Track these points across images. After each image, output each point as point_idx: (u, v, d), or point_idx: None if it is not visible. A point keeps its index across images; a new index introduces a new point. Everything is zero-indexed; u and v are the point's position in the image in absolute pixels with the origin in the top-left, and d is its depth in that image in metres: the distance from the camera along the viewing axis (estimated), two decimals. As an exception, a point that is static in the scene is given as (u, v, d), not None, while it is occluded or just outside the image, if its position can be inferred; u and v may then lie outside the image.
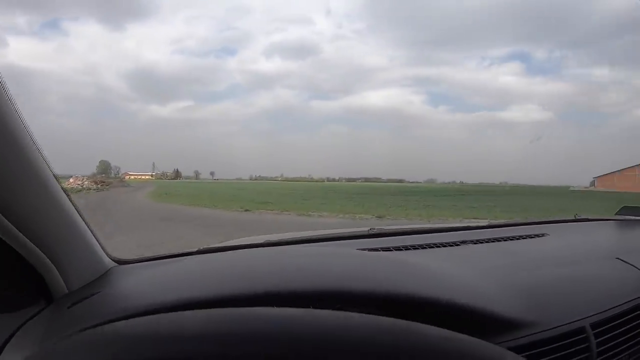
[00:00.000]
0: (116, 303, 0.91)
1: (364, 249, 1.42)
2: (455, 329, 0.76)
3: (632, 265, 1.47)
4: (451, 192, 39.39)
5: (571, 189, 59.36)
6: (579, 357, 1.07)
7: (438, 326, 0.74)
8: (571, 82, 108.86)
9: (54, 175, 0.97)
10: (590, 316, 1.13)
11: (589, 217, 2.43)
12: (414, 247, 1.49)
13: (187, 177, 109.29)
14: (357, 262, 1.15)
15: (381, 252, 1.42)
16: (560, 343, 1.05)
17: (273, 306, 0.65)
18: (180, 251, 1.43)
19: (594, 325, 1.12)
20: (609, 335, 1.14)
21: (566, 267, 1.42)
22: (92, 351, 0.56)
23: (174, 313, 0.63)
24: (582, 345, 1.08)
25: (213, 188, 41.01)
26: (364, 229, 1.71)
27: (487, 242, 1.68)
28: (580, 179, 72.11)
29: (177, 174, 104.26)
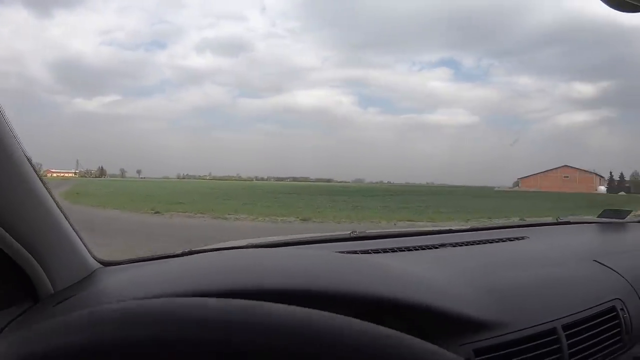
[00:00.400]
0: (100, 303, 0.89)
1: (344, 252, 1.42)
2: (425, 330, 0.96)
3: (608, 267, 1.49)
4: (379, 192, 38.96)
5: (496, 189, 61.48)
6: (550, 358, 1.09)
7: (409, 327, 0.93)
8: (497, 89, 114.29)
9: (38, 175, 0.99)
10: (563, 317, 1.15)
11: (571, 220, 2.42)
12: (393, 250, 1.50)
13: (113, 175, 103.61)
14: (333, 265, 1.16)
15: (359, 255, 1.42)
16: (531, 344, 1.07)
17: None
18: (166, 253, 1.45)
19: (565, 327, 1.14)
20: (581, 336, 1.16)
21: (543, 269, 1.44)
22: (79, 330, 0.55)
23: (161, 299, 0.61)
24: (554, 347, 1.10)
25: (134, 187, 38.52)
26: (346, 232, 1.71)
27: (466, 244, 1.69)
28: (504, 180, 75.31)
29: (101, 172, 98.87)
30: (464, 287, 1.16)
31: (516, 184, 72.92)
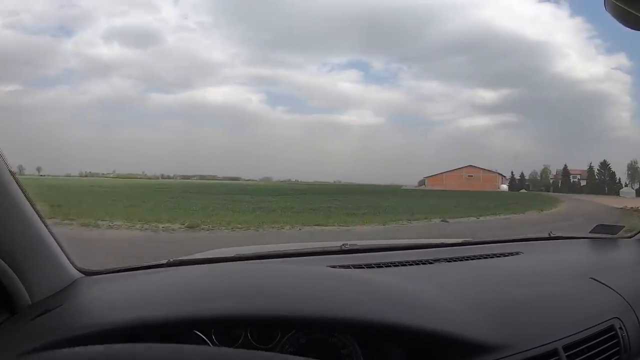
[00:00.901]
0: (78, 317, 0.90)
1: (336, 266, 1.40)
2: (420, 353, 0.96)
3: (605, 285, 1.47)
4: (287, 190, 37.31)
5: (403, 187, 62.98)
6: None
7: (404, 350, 0.96)
8: (404, 92, 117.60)
9: (16, 182, 0.99)
10: (563, 338, 1.13)
11: (563, 235, 2.43)
12: (387, 265, 1.47)
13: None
14: (326, 285, 1.14)
15: (352, 271, 1.40)
16: None
17: (238, 330, 0.84)
18: (151, 263, 1.42)
19: (566, 347, 1.12)
20: (581, 357, 1.15)
21: (540, 286, 1.42)
22: None
23: (129, 345, 0.63)
24: None
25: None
26: (337, 244, 1.67)
27: (460, 260, 1.66)
28: (410, 179, 76.93)
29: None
30: (459, 305, 1.13)
31: (422, 182, 74.70)
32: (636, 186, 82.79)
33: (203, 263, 1.44)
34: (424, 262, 1.57)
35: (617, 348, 1.25)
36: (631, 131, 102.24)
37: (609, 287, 1.45)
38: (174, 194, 27.65)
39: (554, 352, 1.08)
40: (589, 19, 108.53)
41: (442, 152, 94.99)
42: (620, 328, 1.28)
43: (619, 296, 1.42)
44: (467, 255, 1.72)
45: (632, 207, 23.23)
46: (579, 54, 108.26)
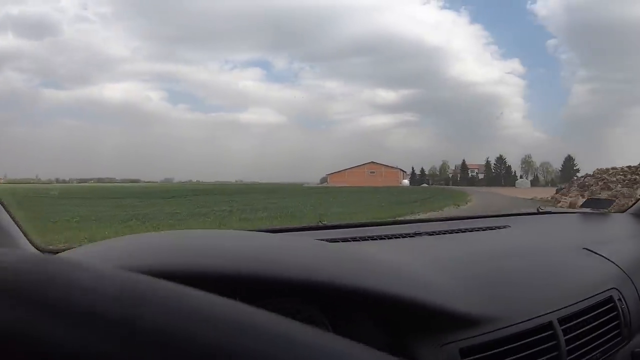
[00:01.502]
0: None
1: (323, 239, 1.33)
2: (401, 327, 0.90)
3: (600, 255, 1.42)
4: (185, 192, 34.96)
5: (305, 185, 62.60)
6: (546, 356, 1.02)
7: (387, 322, 0.89)
8: (306, 91, 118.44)
9: None
10: (558, 310, 1.09)
11: (552, 210, 2.47)
12: (372, 238, 1.43)
13: None
14: (312, 253, 1.07)
15: (339, 243, 1.35)
16: (526, 341, 1.00)
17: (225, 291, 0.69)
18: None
19: (561, 320, 1.08)
20: (579, 330, 1.11)
21: (531, 258, 1.38)
22: None
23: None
24: (550, 343, 1.03)
25: None
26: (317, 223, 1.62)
27: (444, 233, 1.59)
28: (311, 177, 77.86)
29: None
30: (445, 277, 1.07)
31: (324, 179, 75.14)
32: (530, 178, 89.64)
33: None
34: (404, 236, 1.49)
35: (617, 321, 1.20)
36: (523, 129, 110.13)
37: (605, 258, 1.41)
38: (51, 200, 24.73)
39: (549, 326, 1.04)
40: (486, 26, 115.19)
41: (344, 150, 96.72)
42: (619, 299, 1.24)
43: (616, 267, 1.38)
44: (451, 229, 1.63)
45: (541, 198, 24.26)
46: (475, 59, 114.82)
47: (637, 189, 17.53)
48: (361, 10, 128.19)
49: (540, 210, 2.29)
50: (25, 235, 1.17)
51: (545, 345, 1.01)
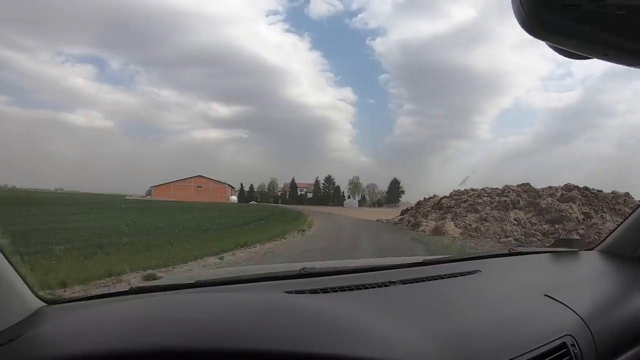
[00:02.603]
0: (38, 349, 0.90)
1: (292, 291, 1.40)
2: None
3: (559, 302, 1.47)
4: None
5: (127, 197, 60.21)
6: None
7: None
8: (139, 97, 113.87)
9: None
10: (514, 358, 1.12)
11: (523, 251, 2.43)
12: (342, 289, 1.44)
13: None
14: (278, 314, 1.11)
15: (307, 297, 1.38)
16: None
17: None
18: (113, 290, 1.47)
19: None
20: None
21: (496, 307, 1.43)
22: None
23: None
24: None
25: None
26: (297, 268, 1.65)
27: (416, 281, 1.62)
28: (137, 188, 74.25)
29: None
30: (413, 332, 1.13)
31: (149, 192, 73.04)
32: (358, 198, 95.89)
33: (164, 290, 1.43)
34: (379, 285, 1.54)
35: None
36: (350, 153, 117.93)
37: (563, 304, 1.47)
38: None
39: None
40: (326, 54, 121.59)
41: (173, 162, 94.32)
42: (573, 345, 1.30)
43: (573, 312, 1.43)
44: (424, 276, 1.68)
45: (387, 219, 26.38)
46: (311, 83, 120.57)
47: (508, 211, 18.93)
48: (208, 20, 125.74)
49: (512, 251, 2.36)
50: (28, 285, 1.18)
51: None
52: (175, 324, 1.02)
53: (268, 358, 0.91)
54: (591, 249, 2.38)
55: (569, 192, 19.28)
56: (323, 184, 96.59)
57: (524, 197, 20.07)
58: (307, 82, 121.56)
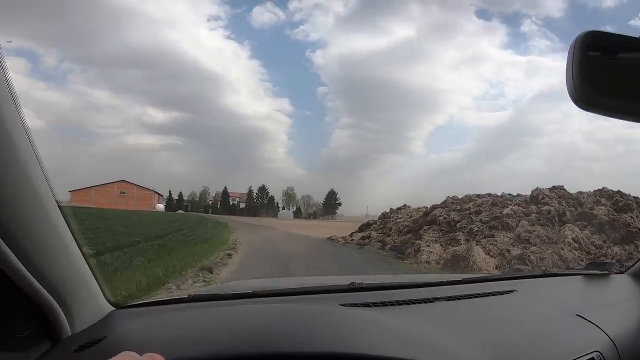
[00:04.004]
0: (119, 351, 0.87)
1: (346, 304, 1.46)
2: None
3: (590, 321, 1.53)
4: None
5: None
6: None
7: None
8: (71, 96, 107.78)
9: (61, 210, 1.00)
10: None
11: (557, 272, 2.62)
12: (391, 304, 1.52)
13: None
14: (334, 324, 1.19)
15: (361, 310, 1.46)
16: None
17: None
18: (174, 296, 1.61)
19: None
20: None
21: (530, 325, 1.50)
22: None
23: None
24: None
25: None
26: (346, 282, 1.73)
27: (458, 299, 1.70)
28: (59, 193, 68.59)
29: None
30: (458, 345, 1.19)
31: (67, 197, 67.25)
32: (293, 209, 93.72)
33: (223, 299, 1.52)
34: (425, 301, 1.61)
35: None
36: (285, 164, 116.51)
37: (593, 324, 1.51)
38: None
39: None
40: (265, 64, 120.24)
41: (104, 168, 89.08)
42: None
43: (602, 332, 1.47)
44: (464, 294, 1.75)
45: (343, 237, 21.33)
46: (249, 92, 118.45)
47: (554, 225, 13.86)
48: (148, 20, 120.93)
49: (546, 273, 2.47)
50: (101, 288, 1.22)
51: None
52: (237, 332, 1.08)
53: None
54: (622, 272, 2.35)
55: (623, 199, 14.67)
56: (257, 193, 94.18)
57: (564, 205, 15.06)
58: (245, 91, 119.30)
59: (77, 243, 1.08)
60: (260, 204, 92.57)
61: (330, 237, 21.75)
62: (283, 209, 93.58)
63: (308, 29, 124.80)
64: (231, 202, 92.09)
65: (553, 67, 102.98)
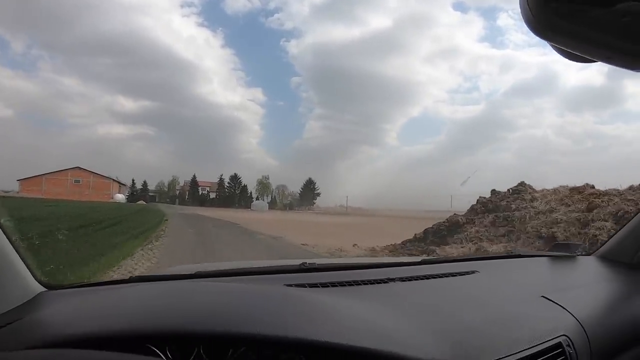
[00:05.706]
0: (36, 331, 0.92)
1: (292, 285, 1.42)
2: None
3: (556, 303, 1.49)
4: None
5: None
6: None
7: None
8: (40, 85, 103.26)
9: None
10: (508, 356, 1.13)
11: (522, 253, 2.45)
12: (342, 284, 1.47)
13: None
14: (279, 303, 1.14)
15: (307, 291, 1.40)
16: None
17: (191, 346, 0.88)
18: (114, 278, 1.77)
19: None
20: None
21: (492, 306, 1.44)
22: None
23: (82, 351, 0.73)
24: None
25: None
26: (297, 263, 1.66)
27: (415, 279, 1.65)
28: (9, 183, 63.30)
29: None
30: (409, 326, 1.14)
31: (15, 187, 61.98)
32: (268, 200, 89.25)
33: (165, 280, 1.45)
34: (378, 282, 1.53)
35: None
36: (257, 155, 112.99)
37: (560, 305, 1.46)
38: None
39: None
40: (238, 52, 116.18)
41: (69, 159, 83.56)
42: (568, 345, 1.30)
43: (569, 314, 1.43)
44: (422, 274, 1.69)
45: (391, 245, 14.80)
46: (221, 81, 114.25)
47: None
48: (120, 6, 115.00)
49: (510, 254, 2.40)
50: (30, 270, 1.20)
51: None
52: (176, 309, 1.04)
53: (270, 343, 0.92)
54: (589, 254, 2.35)
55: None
56: (228, 183, 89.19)
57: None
58: (218, 79, 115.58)
59: (1, 227, 1.09)
60: (232, 193, 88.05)
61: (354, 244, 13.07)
62: (257, 199, 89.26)
63: (283, 18, 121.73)
64: (200, 192, 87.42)
65: (528, 62, 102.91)
